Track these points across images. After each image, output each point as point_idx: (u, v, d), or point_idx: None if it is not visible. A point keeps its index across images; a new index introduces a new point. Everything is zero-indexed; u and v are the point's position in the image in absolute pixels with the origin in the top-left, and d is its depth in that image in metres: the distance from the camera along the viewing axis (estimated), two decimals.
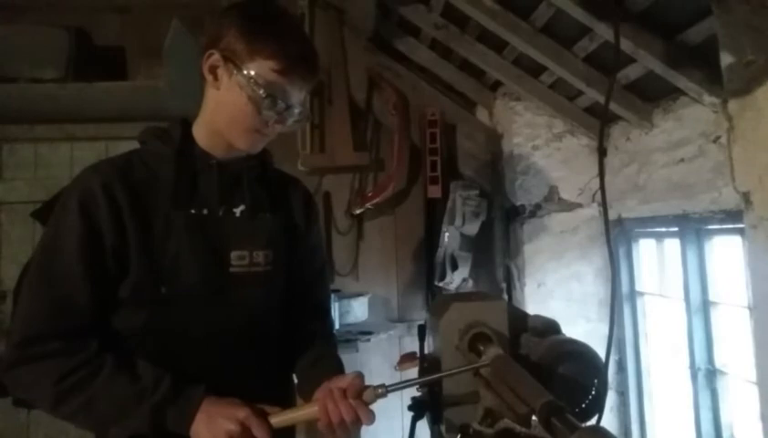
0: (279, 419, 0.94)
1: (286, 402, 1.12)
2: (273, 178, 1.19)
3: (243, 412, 0.91)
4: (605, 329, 2.52)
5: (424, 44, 2.83)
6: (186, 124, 1.11)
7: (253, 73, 0.99)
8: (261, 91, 0.99)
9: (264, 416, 0.92)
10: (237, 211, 1.09)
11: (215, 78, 1.03)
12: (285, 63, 0.99)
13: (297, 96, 1.04)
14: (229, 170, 1.09)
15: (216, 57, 1.01)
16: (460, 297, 0.91)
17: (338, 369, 1.10)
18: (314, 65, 1.05)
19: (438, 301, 0.97)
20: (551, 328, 0.86)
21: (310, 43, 1.08)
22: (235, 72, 1.00)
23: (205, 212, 1.05)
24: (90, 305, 0.97)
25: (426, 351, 0.94)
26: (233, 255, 1.05)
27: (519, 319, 0.86)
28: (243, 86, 1.00)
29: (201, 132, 1.10)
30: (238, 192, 1.10)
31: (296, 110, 1.05)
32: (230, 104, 1.03)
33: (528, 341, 0.84)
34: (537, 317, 0.89)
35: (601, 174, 1.79)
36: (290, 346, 1.17)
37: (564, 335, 0.85)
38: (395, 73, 2.97)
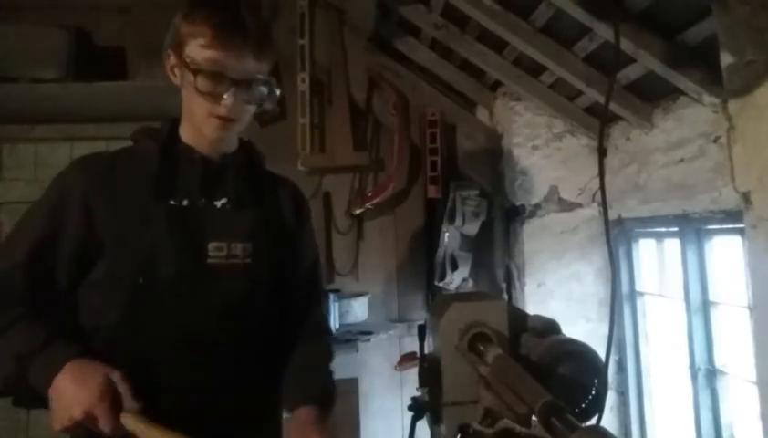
0: (133, 423, 0.91)
1: (269, 407, 1.13)
2: (261, 175, 1.19)
3: (100, 394, 0.91)
4: (605, 329, 2.53)
5: (424, 44, 2.83)
6: (175, 122, 1.13)
7: (188, 57, 1.00)
8: (192, 70, 0.99)
9: (117, 409, 0.92)
10: (218, 203, 1.09)
11: (175, 75, 1.06)
12: (211, 35, 0.98)
13: (240, 67, 1.01)
14: (213, 164, 1.10)
15: (171, 56, 1.05)
16: (460, 296, 0.91)
17: (316, 390, 1.13)
18: (253, 31, 1.01)
19: (438, 301, 0.97)
20: (551, 328, 0.86)
21: (250, 11, 1.04)
22: (179, 63, 1.03)
23: (185, 203, 1.06)
24: (24, 288, 0.99)
25: (426, 351, 0.94)
26: (211, 246, 1.04)
27: (519, 319, 0.86)
28: (185, 73, 1.01)
29: (185, 129, 1.12)
30: (221, 186, 1.10)
31: (256, 86, 1.04)
32: (187, 96, 1.06)
33: (528, 341, 0.84)
34: (537, 317, 0.89)
35: (601, 174, 1.79)
36: (278, 344, 1.16)
37: (564, 335, 0.85)
38: (395, 73, 2.97)
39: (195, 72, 0.99)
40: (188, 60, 1.00)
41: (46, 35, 2.58)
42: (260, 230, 1.11)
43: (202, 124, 1.05)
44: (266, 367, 1.14)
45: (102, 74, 2.57)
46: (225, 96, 1.01)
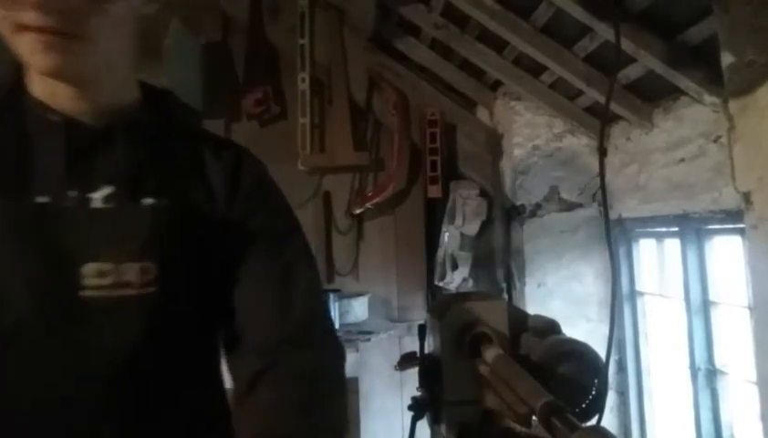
0: None
1: None
2: (176, 144, 0.77)
3: None
4: (605, 329, 2.53)
5: (424, 44, 2.83)
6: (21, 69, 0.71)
7: None
8: None
9: None
10: (97, 197, 0.68)
11: None
12: None
13: None
14: (86, 132, 0.69)
15: None
16: (460, 296, 0.91)
17: None
18: None
19: (438, 301, 0.97)
20: (551, 328, 0.86)
21: None
22: None
23: (43, 200, 0.66)
24: None
25: (426, 351, 0.94)
26: (87, 268, 0.65)
27: (519, 319, 0.86)
28: None
29: (32, 77, 0.70)
30: (101, 167, 0.69)
31: None
32: None
33: (528, 341, 0.84)
34: (537, 317, 0.89)
35: (602, 174, 1.79)
36: (213, 421, 0.76)
37: (564, 335, 0.85)
38: (395, 73, 2.97)
39: None
40: None
41: None
42: (172, 236, 0.70)
43: (18, 50, 0.63)
44: None
45: None
46: None
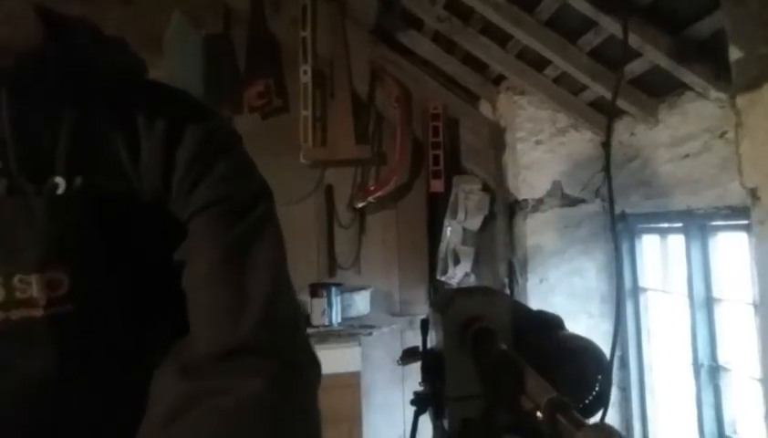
0: None
1: None
2: (92, 91, 0.55)
3: None
4: (607, 325, 2.54)
5: (427, 37, 2.81)
6: None
7: None
8: None
9: None
10: None
11: None
12: None
13: None
14: None
15: None
16: (463, 291, 0.91)
17: None
18: None
19: (440, 296, 0.96)
20: (555, 323, 0.85)
21: None
22: None
23: None
24: None
25: (429, 346, 0.94)
26: None
27: (523, 314, 0.86)
28: None
29: None
30: None
31: None
32: None
33: (532, 337, 0.83)
34: (541, 312, 0.88)
35: (608, 170, 1.78)
36: None
37: (568, 331, 0.85)
38: (397, 66, 2.95)
39: None
40: None
41: None
42: (89, 231, 0.51)
43: None
44: None
45: None
46: None
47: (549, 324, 0.85)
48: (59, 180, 0.50)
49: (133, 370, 0.53)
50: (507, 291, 2.73)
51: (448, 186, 2.88)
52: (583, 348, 0.79)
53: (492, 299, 0.84)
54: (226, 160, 0.58)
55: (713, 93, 1.79)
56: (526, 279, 2.64)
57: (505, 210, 2.80)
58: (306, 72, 2.87)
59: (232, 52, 3.06)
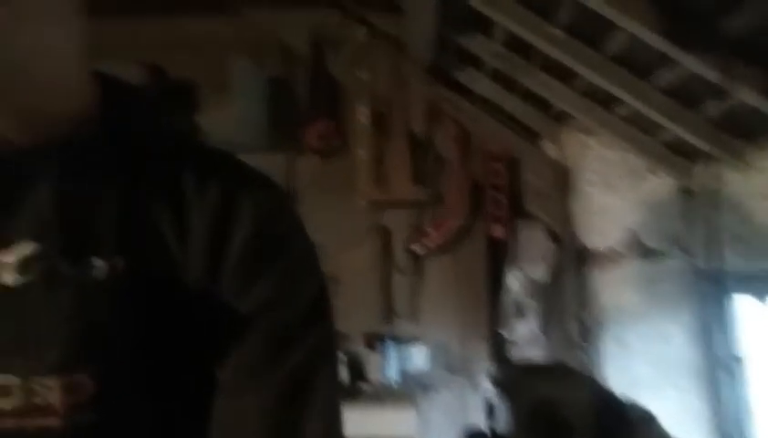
0: None
1: None
2: (141, 162, 0.48)
3: None
4: (698, 402, 2.17)
5: (486, 74, 2.66)
6: None
7: None
8: None
9: None
10: (9, 261, 0.42)
11: None
12: None
13: None
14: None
15: None
16: (533, 370, 0.78)
17: None
18: None
19: (508, 374, 0.84)
20: (644, 420, 0.70)
21: None
22: None
23: None
24: None
25: (497, 431, 0.81)
26: None
27: (606, 404, 0.72)
28: None
29: None
30: (18, 209, 0.43)
31: None
32: None
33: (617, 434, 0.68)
34: (631, 405, 0.73)
35: (698, 222, 1.52)
36: None
37: (660, 428, 0.69)
38: (455, 105, 2.83)
39: None
40: None
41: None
42: (121, 328, 0.43)
43: None
44: None
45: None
46: None
47: (638, 421, 0.70)
48: (100, 263, 0.43)
49: None
50: (582, 356, 2.43)
51: (510, 231, 2.67)
52: None
53: (568, 382, 0.72)
54: (288, 253, 0.49)
55: None
56: (602, 343, 2.34)
57: (574, 260, 2.53)
58: (363, 113, 2.84)
59: (292, 93, 3.08)
